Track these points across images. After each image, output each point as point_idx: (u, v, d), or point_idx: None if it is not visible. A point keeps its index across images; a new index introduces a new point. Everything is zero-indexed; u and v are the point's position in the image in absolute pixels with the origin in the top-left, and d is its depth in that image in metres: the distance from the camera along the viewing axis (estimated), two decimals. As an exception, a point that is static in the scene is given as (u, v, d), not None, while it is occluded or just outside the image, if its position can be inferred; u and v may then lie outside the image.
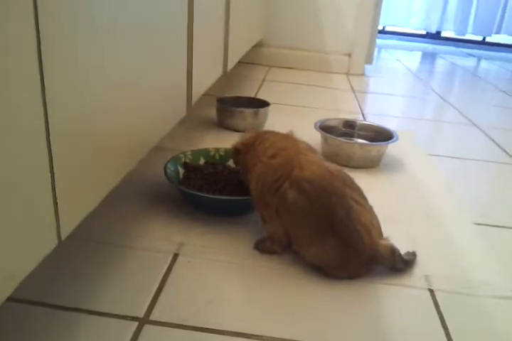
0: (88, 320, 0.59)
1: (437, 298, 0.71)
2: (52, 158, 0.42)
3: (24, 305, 0.60)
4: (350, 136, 1.26)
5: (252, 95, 1.79)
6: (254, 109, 1.32)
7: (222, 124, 1.35)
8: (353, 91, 2.08)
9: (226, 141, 1.26)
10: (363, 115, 1.67)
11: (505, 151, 1.41)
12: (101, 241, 0.76)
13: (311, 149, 0.77)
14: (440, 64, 3.42)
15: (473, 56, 3.86)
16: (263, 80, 2.09)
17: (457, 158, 1.33)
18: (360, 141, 1.25)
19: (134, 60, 0.61)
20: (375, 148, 1.15)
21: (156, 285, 0.66)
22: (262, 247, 0.77)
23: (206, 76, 1.10)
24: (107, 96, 0.54)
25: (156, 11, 0.68)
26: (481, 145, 1.47)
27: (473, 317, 0.68)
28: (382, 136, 1.20)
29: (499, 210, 1.02)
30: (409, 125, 1.65)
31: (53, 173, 0.43)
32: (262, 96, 1.81)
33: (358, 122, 1.26)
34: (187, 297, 0.65)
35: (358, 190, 0.72)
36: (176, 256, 0.74)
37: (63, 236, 0.46)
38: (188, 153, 0.98)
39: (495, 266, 0.80)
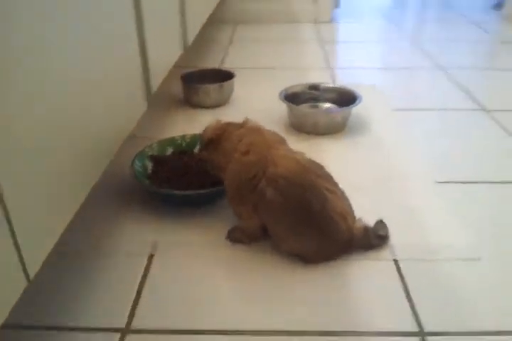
0: (70, 338, 0.62)
1: (401, 267, 0.76)
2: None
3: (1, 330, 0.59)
4: (316, 99, 1.26)
5: (219, 60, 1.76)
6: (218, 84, 1.30)
7: (189, 101, 1.34)
8: (322, 42, 2.04)
9: (195, 119, 1.26)
10: (331, 70, 1.66)
11: (470, 96, 1.42)
12: (71, 251, 0.78)
13: (279, 140, 0.79)
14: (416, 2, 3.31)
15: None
16: (230, 41, 2.03)
17: (420, 109, 1.34)
18: (325, 105, 1.25)
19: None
20: (340, 114, 1.16)
21: (134, 292, 0.70)
22: (232, 237, 0.81)
23: (165, 57, 1.06)
24: (53, 105, 0.52)
25: None
26: (445, 93, 1.47)
27: (434, 283, 0.73)
28: (347, 97, 1.21)
29: (461, 165, 1.05)
30: (377, 76, 1.64)
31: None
32: (229, 60, 1.79)
33: (322, 85, 1.26)
34: (166, 300, 0.69)
35: (329, 177, 0.75)
36: (151, 257, 0.78)
37: (31, 274, 0.49)
38: (154, 145, 0.99)
39: (456, 227, 0.85)
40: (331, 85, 1.27)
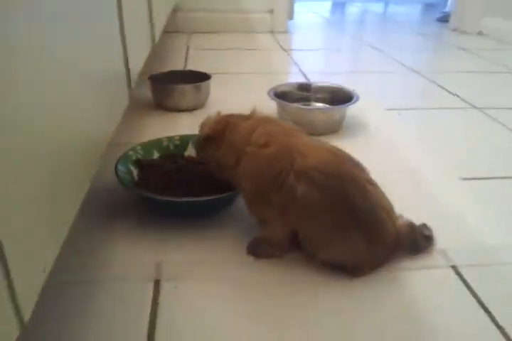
0: None
1: (463, 275, 0.63)
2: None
3: None
4: (307, 100, 1.14)
5: (181, 67, 1.61)
6: (195, 84, 1.15)
7: (161, 105, 1.17)
8: (284, 50, 1.96)
9: (171, 124, 1.10)
10: (304, 75, 1.56)
11: (457, 96, 1.37)
12: (65, 280, 0.59)
13: (298, 129, 0.65)
14: (354, 11, 3.38)
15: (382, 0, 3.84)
16: (187, 49, 1.89)
17: (414, 109, 1.27)
18: (319, 105, 1.14)
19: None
20: (338, 112, 1.05)
21: (146, 327, 0.52)
22: (260, 251, 0.65)
23: (140, 51, 0.92)
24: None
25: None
26: (431, 93, 1.43)
27: (508, 290, 0.61)
28: (340, 96, 1.10)
29: (478, 161, 0.97)
30: (352, 80, 1.56)
31: None
32: (191, 67, 1.64)
33: (314, 84, 1.15)
34: (184, 334, 0.52)
35: (364, 167, 0.62)
36: (157, 282, 0.60)
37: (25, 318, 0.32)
38: (138, 147, 0.82)
39: (501, 225, 0.75)
40: (322, 84, 1.16)
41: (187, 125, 1.08)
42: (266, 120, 0.65)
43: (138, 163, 0.79)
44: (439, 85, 1.47)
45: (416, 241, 0.64)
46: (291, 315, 0.56)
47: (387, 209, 0.60)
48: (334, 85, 1.15)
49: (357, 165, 0.60)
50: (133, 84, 0.82)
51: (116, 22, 0.71)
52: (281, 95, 1.09)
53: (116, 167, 0.74)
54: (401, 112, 1.24)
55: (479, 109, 1.27)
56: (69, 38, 0.46)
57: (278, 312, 0.56)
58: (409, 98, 1.40)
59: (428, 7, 3.51)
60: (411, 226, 0.63)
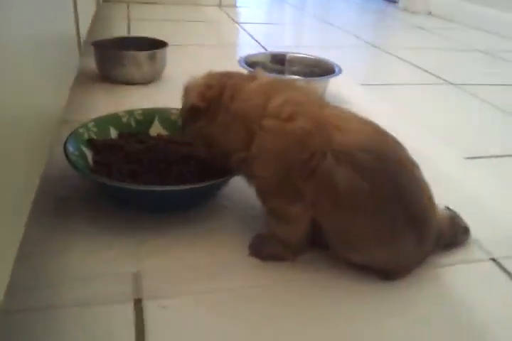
0: None
1: (507, 269, 0.53)
2: None
3: None
4: (281, 73, 1.00)
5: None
6: (150, 52, 0.97)
7: (108, 76, 0.98)
8: (236, 23, 1.80)
9: (121, 100, 0.92)
10: (264, 48, 1.42)
11: (428, 72, 1.29)
12: (14, 308, 0.42)
13: (320, 96, 0.51)
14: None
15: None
16: (128, 19, 1.68)
17: (390, 84, 1.17)
18: (295, 78, 1.00)
19: None
20: (321, 84, 0.92)
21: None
22: (268, 252, 0.50)
23: (87, 13, 0.73)
24: None
25: None
26: (401, 69, 1.34)
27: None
28: (319, 69, 0.97)
29: (473, 139, 0.89)
30: (316, 54, 1.44)
31: None
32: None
33: (289, 55, 1.01)
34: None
35: (402, 144, 0.48)
36: (138, 302, 0.44)
37: None
38: (91, 124, 0.64)
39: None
40: (299, 55, 1.02)
41: (141, 101, 0.90)
42: (281, 83, 0.50)
43: (91, 144, 0.62)
44: (409, 62, 1.39)
45: (455, 235, 0.53)
46: (322, 333, 0.43)
47: (431, 196, 0.48)
48: (312, 56, 1.01)
49: (397, 142, 0.47)
50: (82, 47, 0.65)
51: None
52: (252, 66, 0.94)
53: (65, 148, 0.56)
54: (376, 87, 1.13)
55: (455, 85, 1.19)
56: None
57: (296, 334, 0.43)
58: (380, 73, 1.30)
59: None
60: (451, 218, 0.52)
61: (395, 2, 2.58)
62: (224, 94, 0.48)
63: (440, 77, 1.24)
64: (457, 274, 0.52)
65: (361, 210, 0.44)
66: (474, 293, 0.49)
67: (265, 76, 0.52)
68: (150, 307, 0.44)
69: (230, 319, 0.44)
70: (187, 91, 0.51)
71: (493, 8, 2.00)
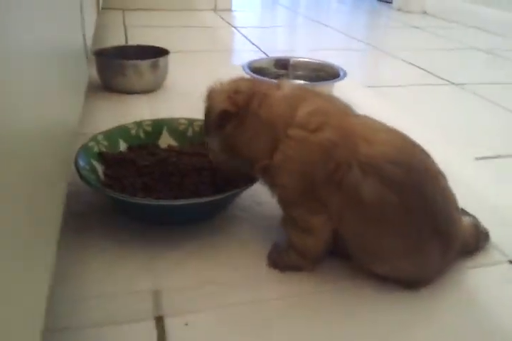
0: None
1: (526, 271, 0.53)
2: None
3: None
4: (285, 77, 1.00)
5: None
6: (152, 60, 0.96)
7: (110, 86, 0.97)
8: (234, 27, 1.79)
9: (124, 110, 0.91)
10: (262, 51, 1.41)
11: (430, 73, 1.29)
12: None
13: (347, 105, 0.50)
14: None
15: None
16: (124, 26, 1.67)
17: (394, 86, 1.17)
18: (300, 82, 0.99)
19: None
20: (326, 88, 0.92)
21: None
22: (285, 263, 0.50)
23: (90, 24, 0.73)
24: None
25: None
26: (404, 70, 1.33)
27: None
28: (324, 73, 0.97)
29: (481, 139, 0.88)
30: (318, 57, 1.44)
31: None
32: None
33: (292, 60, 1.00)
34: None
35: (429, 153, 0.47)
36: (160, 320, 0.43)
37: None
38: (100, 137, 0.63)
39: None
40: (303, 59, 1.01)
41: (144, 110, 0.90)
42: (307, 90, 0.49)
43: (103, 157, 0.61)
44: (410, 62, 1.39)
45: (478, 242, 0.52)
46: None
47: (457, 206, 0.47)
48: (316, 60, 1.01)
49: (424, 151, 0.47)
50: (89, 58, 0.64)
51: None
52: (257, 71, 0.93)
53: (76, 163, 0.55)
54: (382, 89, 1.13)
55: (457, 84, 1.19)
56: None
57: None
58: (384, 75, 1.30)
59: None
60: (475, 226, 0.52)
61: (388, 2, 2.58)
62: (253, 101, 0.47)
63: (442, 78, 1.24)
64: (477, 278, 0.51)
65: (388, 223, 0.43)
66: (496, 297, 0.49)
67: (291, 84, 0.51)
68: (172, 325, 0.43)
69: (253, 334, 0.43)
70: (212, 96, 0.49)
71: (488, 7, 2.00)
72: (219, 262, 0.51)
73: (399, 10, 2.44)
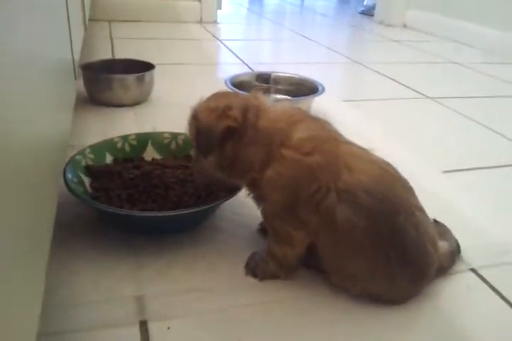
0: None
1: (485, 277, 0.57)
2: None
3: None
4: (266, 92, 1.04)
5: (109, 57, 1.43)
6: (138, 74, 1.00)
7: (96, 99, 1.01)
8: (219, 40, 1.83)
9: (110, 122, 0.94)
10: (246, 64, 1.45)
11: (406, 86, 1.35)
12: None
13: (334, 128, 0.53)
14: (272, 2, 3.33)
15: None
16: (111, 38, 1.70)
17: (370, 100, 1.22)
18: (278, 97, 1.04)
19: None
20: (305, 102, 0.96)
21: None
22: (263, 271, 0.53)
23: (78, 38, 0.76)
24: None
25: None
26: (381, 84, 1.39)
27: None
28: (304, 88, 1.01)
29: (450, 152, 0.93)
30: (299, 71, 1.48)
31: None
32: (120, 57, 1.46)
33: (273, 75, 1.05)
34: None
35: (411, 188, 0.51)
36: (144, 324, 0.47)
37: None
38: (87, 150, 0.66)
39: (503, 218, 0.70)
40: (284, 74, 1.06)
41: (131, 123, 0.93)
42: (299, 111, 0.52)
43: (89, 170, 0.64)
44: (388, 76, 1.44)
45: (454, 264, 0.57)
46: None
47: (434, 240, 0.51)
48: (296, 75, 1.05)
49: (406, 185, 0.50)
50: (77, 73, 0.67)
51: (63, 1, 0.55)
52: (238, 85, 0.97)
53: (64, 175, 0.58)
54: (359, 103, 1.18)
55: (432, 98, 1.25)
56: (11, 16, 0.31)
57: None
58: (361, 89, 1.35)
59: (343, 1, 3.55)
60: (452, 254, 0.56)
61: (370, 15, 2.65)
62: (248, 114, 0.49)
63: (418, 91, 1.30)
64: (442, 286, 0.55)
65: (356, 245, 0.47)
66: (459, 305, 0.53)
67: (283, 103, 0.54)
68: (155, 329, 0.46)
69: (232, 337, 0.46)
70: (199, 117, 0.50)
71: (468, 21, 2.08)
72: (200, 270, 0.54)
73: (380, 23, 2.52)
